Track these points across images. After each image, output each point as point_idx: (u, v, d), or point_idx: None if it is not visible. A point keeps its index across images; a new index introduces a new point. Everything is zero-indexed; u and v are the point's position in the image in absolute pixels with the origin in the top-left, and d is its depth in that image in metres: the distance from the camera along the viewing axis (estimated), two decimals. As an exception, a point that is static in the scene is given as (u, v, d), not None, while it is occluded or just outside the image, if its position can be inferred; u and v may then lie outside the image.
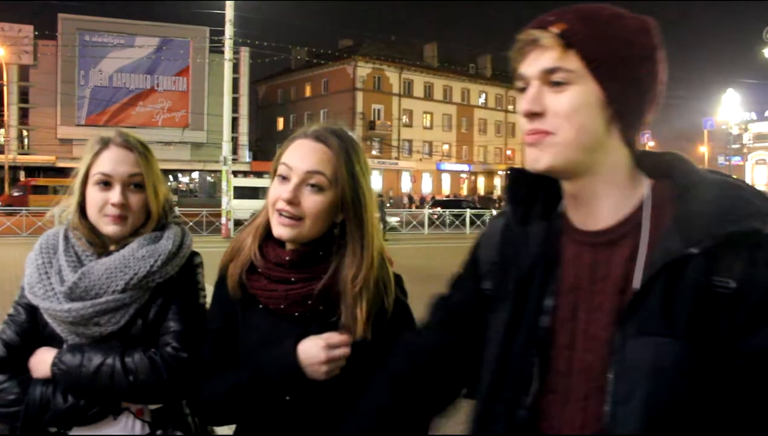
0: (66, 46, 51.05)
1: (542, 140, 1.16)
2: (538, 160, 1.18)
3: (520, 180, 1.34)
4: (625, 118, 1.17)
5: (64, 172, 49.12)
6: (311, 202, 1.59)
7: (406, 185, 63.87)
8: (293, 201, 1.58)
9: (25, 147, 52.81)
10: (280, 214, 1.59)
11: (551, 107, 1.15)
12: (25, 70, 52.08)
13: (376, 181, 59.87)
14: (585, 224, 1.23)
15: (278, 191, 1.60)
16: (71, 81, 52.07)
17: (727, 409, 1.06)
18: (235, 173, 33.48)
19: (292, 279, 1.62)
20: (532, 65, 1.17)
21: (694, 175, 1.16)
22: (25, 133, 53.64)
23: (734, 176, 1.20)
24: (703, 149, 77.18)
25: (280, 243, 1.65)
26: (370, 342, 1.60)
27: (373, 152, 61.04)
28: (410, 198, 57.55)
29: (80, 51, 51.93)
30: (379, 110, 62.99)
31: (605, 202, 1.20)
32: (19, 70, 51.47)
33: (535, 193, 1.33)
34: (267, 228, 1.67)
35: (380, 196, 29.50)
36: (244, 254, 1.67)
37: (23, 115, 52.89)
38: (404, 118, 64.48)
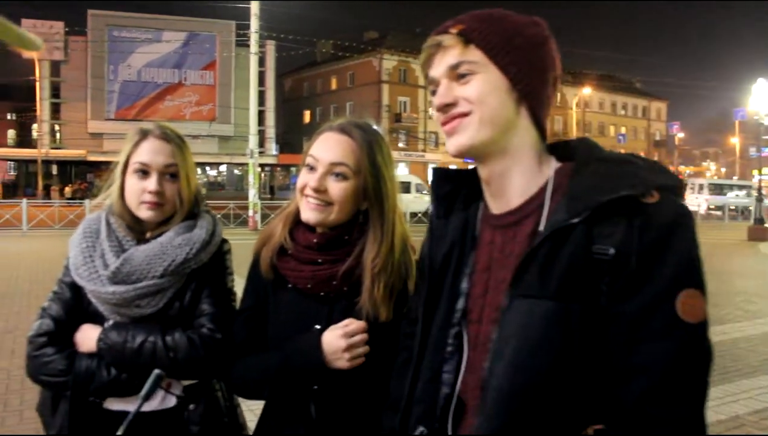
0: (95, 42, 51.78)
1: (460, 124, 1.25)
2: (459, 141, 1.26)
3: (443, 178, 1.45)
4: (531, 99, 1.26)
5: (96, 166, 49.93)
6: (336, 189, 1.71)
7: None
8: (319, 189, 1.70)
9: (57, 141, 53.71)
10: (308, 200, 1.72)
11: (461, 95, 1.25)
12: (56, 66, 52.98)
13: (402, 173, 59.83)
14: (498, 207, 1.32)
15: (306, 179, 1.73)
16: (101, 76, 52.86)
17: (602, 368, 1.12)
18: (263, 166, 33.65)
19: (319, 261, 1.74)
20: (438, 66, 1.28)
21: (589, 154, 1.25)
22: (56, 127, 54.56)
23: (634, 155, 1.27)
24: (735, 140, 75.81)
25: (310, 229, 1.77)
26: (392, 322, 1.70)
27: (400, 145, 61.03)
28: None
29: (109, 46, 52.73)
30: (405, 103, 62.96)
31: (515, 183, 1.29)
32: (51, 66, 52.31)
33: (457, 190, 1.43)
34: (296, 216, 1.79)
35: None
36: (275, 239, 1.80)
37: (55, 111, 53.82)
38: (430, 111, 64.23)
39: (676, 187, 1.17)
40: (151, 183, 1.90)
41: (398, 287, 1.73)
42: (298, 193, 1.76)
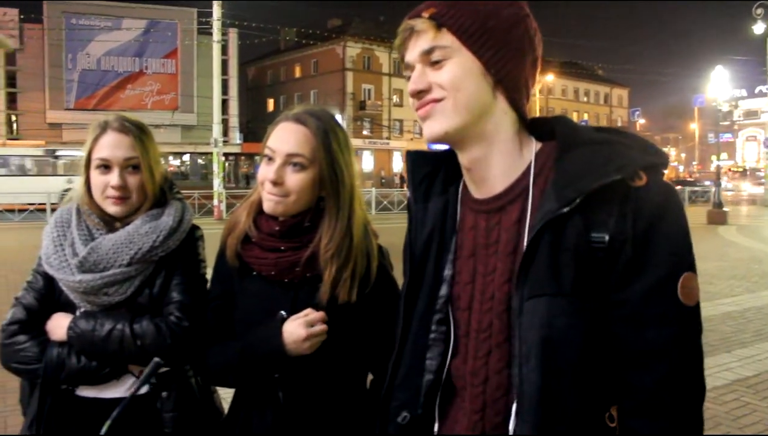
0: (52, 30, 50.52)
1: (434, 108, 1.23)
2: (432, 128, 1.23)
3: (419, 161, 1.43)
4: (507, 83, 1.23)
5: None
6: (294, 180, 1.73)
7: (397, 165, 63.83)
8: (277, 181, 1.72)
9: (14, 132, 52.39)
10: (268, 192, 1.74)
11: (435, 81, 1.22)
12: (11, 55, 51.53)
13: (367, 161, 59.75)
14: (481, 193, 1.30)
15: (265, 172, 1.75)
16: (59, 65, 51.65)
17: (609, 353, 1.14)
18: (227, 156, 33.29)
19: (282, 248, 1.76)
20: (412, 51, 1.25)
21: (573, 135, 1.23)
22: (13, 118, 53.20)
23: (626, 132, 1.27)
24: (694, 126, 77.29)
25: (272, 217, 1.79)
26: (355, 305, 1.74)
27: (364, 132, 60.95)
28: (402, 178, 57.43)
29: (67, 34, 51.48)
30: (369, 90, 62.83)
31: (496, 168, 1.26)
32: (6, 55, 50.93)
33: (435, 173, 1.41)
34: (260, 204, 1.81)
35: None
36: (240, 228, 1.82)
37: (11, 101, 52.47)
38: (395, 98, 64.31)
39: (659, 163, 1.18)
40: (114, 178, 1.91)
41: (360, 270, 1.76)
42: (260, 186, 1.78)
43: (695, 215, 23.80)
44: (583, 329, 1.12)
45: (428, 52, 1.22)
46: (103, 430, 1.55)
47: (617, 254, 1.11)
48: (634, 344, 1.12)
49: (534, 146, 1.28)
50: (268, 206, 1.75)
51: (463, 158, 1.29)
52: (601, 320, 1.13)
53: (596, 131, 1.25)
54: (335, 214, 1.76)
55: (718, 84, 28.33)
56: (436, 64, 1.22)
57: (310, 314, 1.71)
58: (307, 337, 1.68)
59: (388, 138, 63.80)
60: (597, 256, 1.12)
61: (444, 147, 1.36)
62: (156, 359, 1.66)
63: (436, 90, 1.22)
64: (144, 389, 1.92)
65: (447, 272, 1.33)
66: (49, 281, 1.95)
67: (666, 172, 1.20)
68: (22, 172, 28.07)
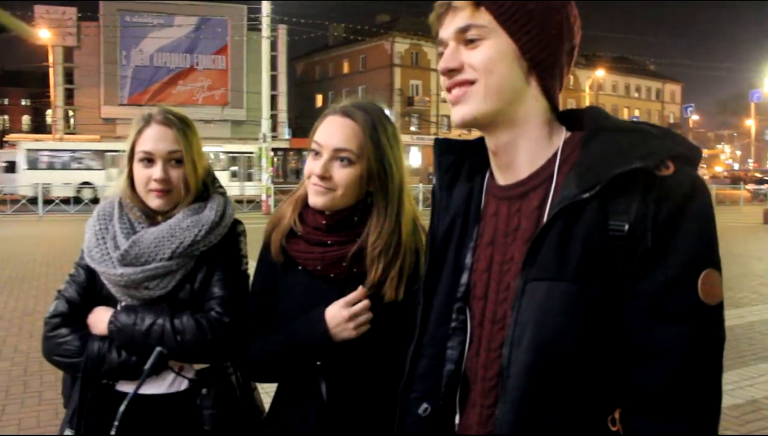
0: (108, 27, 51.74)
1: (465, 94, 1.19)
2: (462, 113, 1.21)
3: (446, 150, 1.41)
4: (542, 69, 1.20)
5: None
6: (341, 174, 1.71)
7: (444, 161, 63.39)
8: (325, 175, 1.71)
9: (71, 127, 53.87)
10: (315, 186, 1.72)
11: (467, 61, 1.19)
12: (69, 52, 52.95)
13: (414, 157, 59.63)
14: (506, 179, 1.27)
15: (312, 166, 1.73)
16: (113, 61, 52.82)
17: (618, 350, 1.08)
18: (275, 150, 33.65)
19: (329, 242, 1.75)
20: (447, 28, 1.21)
21: (600, 122, 1.18)
22: (70, 113, 54.71)
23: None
24: (750, 123, 75.09)
25: (319, 211, 1.77)
26: (402, 303, 1.71)
27: (412, 128, 60.79)
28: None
29: (121, 32, 52.62)
30: (417, 86, 62.63)
31: (523, 154, 1.23)
32: (64, 52, 52.35)
33: (461, 161, 1.39)
34: (306, 199, 1.80)
35: None
36: (285, 222, 1.81)
37: (68, 96, 53.88)
38: (443, 94, 63.83)
39: (691, 156, 1.12)
40: (157, 171, 1.90)
41: (409, 267, 1.73)
42: (306, 180, 1.77)
43: (751, 215, 23.14)
44: (583, 318, 1.07)
45: (464, 31, 1.19)
46: (113, 430, 1.55)
47: (636, 244, 1.06)
48: (644, 339, 1.06)
49: (563, 135, 1.24)
50: (314, 200, 1.73)
51: (491, 142, 1.27)
52: (610, 312, 1.07)
53: (622, 122, 1.21)
54: (383, 211, 1.74)
55: (777, 79, 27.41)
56: (470, 43, 1.19)
57: (350, 295, 1.69)
58: (350, 317, 1.67)
59: (436, 134, 63.50)
60: (615, 245, 1.07)
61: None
62: (158, 348, 1.65)
63: (468, 70, 1.19)
64: (183, 385, 1.92)
65: (468, 260, 1.31)
66: (91, 274, 1.96)
67: (698, 163, 1.14)
68: None
